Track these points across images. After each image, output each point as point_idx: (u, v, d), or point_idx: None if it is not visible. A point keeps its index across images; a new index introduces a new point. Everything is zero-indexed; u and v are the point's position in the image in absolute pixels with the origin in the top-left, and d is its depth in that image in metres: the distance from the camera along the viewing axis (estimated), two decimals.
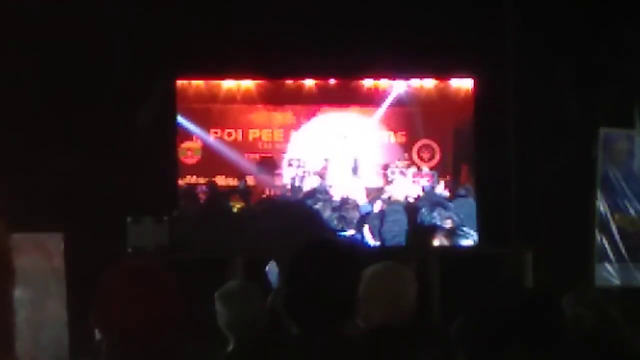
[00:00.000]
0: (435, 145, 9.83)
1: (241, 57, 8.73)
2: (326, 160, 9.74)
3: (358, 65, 8.98)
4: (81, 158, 8.22)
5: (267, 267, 5.03)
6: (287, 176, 9.67)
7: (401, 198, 9.53)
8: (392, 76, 9.58)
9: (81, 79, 8.39)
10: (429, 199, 9.50)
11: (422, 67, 9.24)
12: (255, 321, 4.13)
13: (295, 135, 9.71)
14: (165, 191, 8.71)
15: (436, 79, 9.64)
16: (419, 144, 9.83)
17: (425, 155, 9.82)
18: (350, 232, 9.30)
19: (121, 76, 8.40)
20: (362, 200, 9.56)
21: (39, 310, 6.86)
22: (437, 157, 9.83)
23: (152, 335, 2.75)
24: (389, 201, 9.49)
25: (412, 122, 9.82)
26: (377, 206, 9.46)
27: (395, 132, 9.88)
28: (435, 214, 9.30)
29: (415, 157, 9.82)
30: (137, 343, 2.74)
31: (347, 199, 9.54)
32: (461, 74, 9.47)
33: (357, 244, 8.77)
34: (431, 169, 9.83)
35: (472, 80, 9.43)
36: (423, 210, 9.37)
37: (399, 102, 9.71)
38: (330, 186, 9.64)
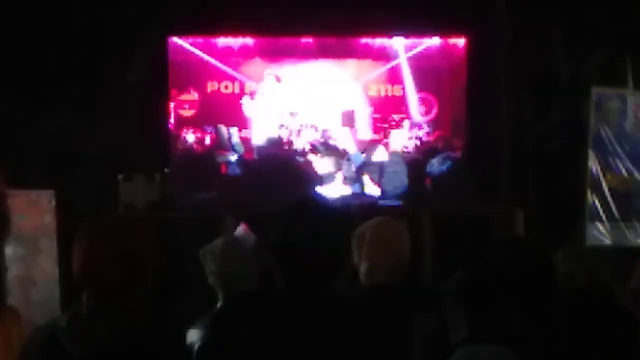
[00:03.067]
0: (432, 99, 9.84)
1: (234, 13, 8.68)
2: (322, 112, 9.74)
3: (350, 23, 8.93)
4: (73, 115, 8.20)
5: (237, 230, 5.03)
6: (284, 129, 9.66)
7: (399, 150, 9.53)
8: (384, 35, 9.57)
9: (72, 36, 8.33)
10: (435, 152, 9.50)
11: (414, 26, 9.20)
12: (242, 277, 4.11)
13: (288, 87, 9.70)
14: (157, 148, 8.69)
15: (428, 37, 9.63)
16: (416, 97, 9.84)
17: (422, 109, 9.84)
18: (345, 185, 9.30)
19: (113, 33, 8.35)
20: (352, 150, 9.56)
21: (30, 267, 6.88)
22: (435, 111, 9.84)
23: (129, 286, 2.77)
24: (387, 152, 9.48)
25: (409, 75, 9.81)
26: (376, 157, 9.45)
27: (392, 85, 9.88)
28: (444, 166, 9.27)
29: (412, 110, 9.83)
30: (114, 294, 2.76)
31: (345, 150, 9.57)
32: (453, 33, 9.45)
33: (347, 204, 8.75)
34: (428, 122, 9.85)
35: (464, 39, 9.43)
36: (433, 161, 9.30)
37: (397, 55, 9.71)
38: (330, 138, 9.63)
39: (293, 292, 2.99)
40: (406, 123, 9.79)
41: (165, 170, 8.49)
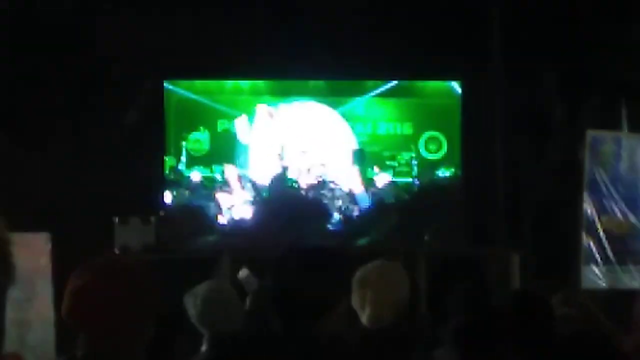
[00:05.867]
0: (442, 137, 9.79)
1: (231, 57, 8.73)
2: (331, 150, 9.69)
3: (346, 66, 8.97)
4: (69, 158, 8.22)
5: (240, 274, 5.03)
6: (294, 167, 9.61)
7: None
8: (379, 77, 9.59)
9: (68, 78, 8.37)
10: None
11: (408, 69, 9.24)
12: (226, 321, 4.10)
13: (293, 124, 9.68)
14: (152, 191, 8.70)
15: (423, 80, 9.65)
16: (425, 135, 9.81)
17: (432, 147, 9.78)
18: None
19: (109, 76, 8.39)
20: (358, 189, 9.51)
21: (25, 311, 6.86)
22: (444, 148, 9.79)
23: (125, 329, 2.72)
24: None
25: (418, 113, 9.77)
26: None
27: (401, 123, 9.85)
28: None
29: (422, 148, 9.78)
30: (109, 338, 2.70)
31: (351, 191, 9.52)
32: (447, 76, 9.48)
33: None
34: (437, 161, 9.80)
35: (459, 83, 9.45)
36: None
37: (406, 93, 9.69)
38: (336, 178, 9.59)
39: (283, 335, 2.99)
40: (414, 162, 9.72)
41: (161, 213, 8.50)
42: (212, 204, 9.31)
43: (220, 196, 9.35)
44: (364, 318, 3.88)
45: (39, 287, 6.92)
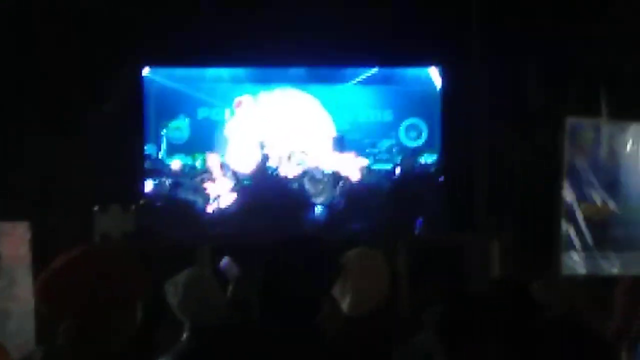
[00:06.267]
0: (423, 124, 9.80)
1: (211, 45, 8.70)
2: (312, 137, 9.69)
3: (328, 53, 8.96)
4: (49, 146, 8.18)
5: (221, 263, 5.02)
6: (274, 155, 9.60)
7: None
8: (359, 65, 9.59)
9: (47, 65, 8.33)
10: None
11: (387, 56, 9.24)
12: (206, 310, 4.10)
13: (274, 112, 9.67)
14: (132, 179, 8.68)
15: (402, 66, 9.65)
16: (406, 122, 9.81)
17: (413, 134, 9.79)
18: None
19: (88, 62, 8.35)
20: (338, 177, 9.52)
21: (5, 299, 6.83)
22: (425, 136, 9.81)
23: (102, 319, 2.69)
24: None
25: (399, 100, 9.78)
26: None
27: (381, 111, 9.85)
28: None
29: (402, 135, 9.79)
30: (92, 325, 2.68)
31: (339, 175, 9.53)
32: (427, 62, 9.48)
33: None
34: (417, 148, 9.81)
35: (438, 69, 9.46)
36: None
37: (386, 80, 9.69)
38: (316, 165, 9.59)
39: (264, 325, 2.99)
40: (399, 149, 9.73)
41: (141, 201, 8.48)
42: (192, 192, 9.30)
43: (200, 184, 9.35)
44: (344, 305, 3.88)
45: (18, 275, 6.89)
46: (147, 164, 9.21)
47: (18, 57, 8.27)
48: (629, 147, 8.12)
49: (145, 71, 9.15)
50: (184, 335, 4.11)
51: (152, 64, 9.16)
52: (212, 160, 9.41)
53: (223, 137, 9.55)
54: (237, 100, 9.60)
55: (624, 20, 8.46)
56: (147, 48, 8.68)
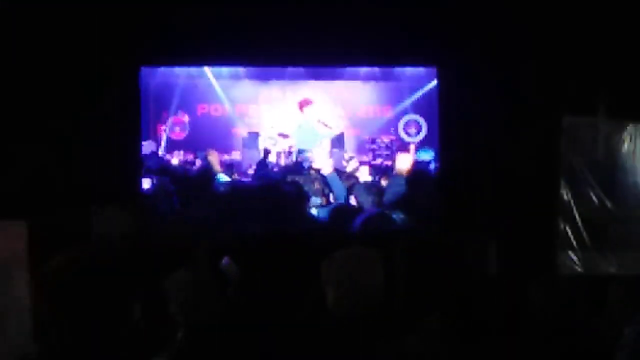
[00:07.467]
0: (422, 120, 9.83)
1: (209, 43, 8.70)
2: (311, 134, 9.72)
3: (327, 52, 8.96)
4: (46, 145, 8.18)
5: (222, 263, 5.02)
6: (273, 152, 9.63)
7: (404, 171, 9.46)
8: (357, 64, 9.60)
9: (43, 65, 8.32)
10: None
11: (383, 56, 9.24)
12: (203, 309, 4.10)
13: (279, 110, 9.68)
14: (130, 179, 8.67)
15: (400, 66, 9.66)
16: (405, 118, 9.84)
17: (412, 130, 9.82)
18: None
19: (85, 62, 8.35)
20: (327, 170, 9.51)
21: (2, 299, 6.82)
22: (424, 132, 9.84)
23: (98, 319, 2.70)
24: (392, 174, 9.44)
25: (398, 97, 9.81)
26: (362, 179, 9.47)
27: (381, 107, 9.88)
28: None
29: (401, 132, 9.82)
30: (83, 326, 2.69)
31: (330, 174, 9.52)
32: (423, 62, 9.49)
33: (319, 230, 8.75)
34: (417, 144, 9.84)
35: (434, 69, 9.46)
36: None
37: (386, 77, 9.72)
38: (313, 161, 9.58)
39: (261, 324, 2.99)
40: (412, 146, 9.72)
41: (139, 200, 8.48)
42: (191, 189, 9.31)
43: (199, 181, 9.36)
44: (329, 303, 3.88)
45: (15, 275, 6.88)
46: (146, 162, 9.21)
47: (15, 56, 8.25)
48: (626, 146, 8.14)
49: (144, 69, 9.15)
50: (180, 335, 4.11)
51: (150, 62, 9.15)
52: (211, 157, 9.42)
53: (223, 133, 9.58)
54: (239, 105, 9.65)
55: (623, 20, 8.47)
56: (146, 47, 8.67)
